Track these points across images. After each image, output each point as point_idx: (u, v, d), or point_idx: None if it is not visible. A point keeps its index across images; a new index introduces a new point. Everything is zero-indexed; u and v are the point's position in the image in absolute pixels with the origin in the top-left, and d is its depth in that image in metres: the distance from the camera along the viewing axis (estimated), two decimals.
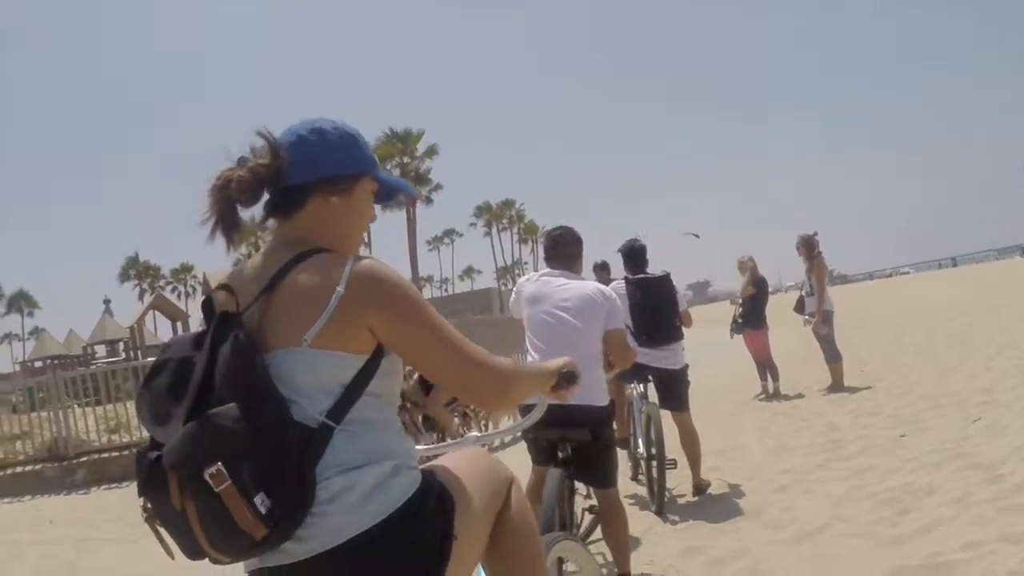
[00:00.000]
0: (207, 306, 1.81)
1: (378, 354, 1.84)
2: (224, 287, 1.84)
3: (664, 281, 6.53)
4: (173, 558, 1.78)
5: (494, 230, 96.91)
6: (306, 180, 1.91)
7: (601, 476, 4.30)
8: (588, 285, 4.44)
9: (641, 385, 6.79)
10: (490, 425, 10.60)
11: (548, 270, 4.56)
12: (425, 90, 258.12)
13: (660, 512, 6.09)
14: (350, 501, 1.72)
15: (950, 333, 15.39)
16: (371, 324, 1.80)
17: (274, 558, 1.71)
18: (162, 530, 1.69)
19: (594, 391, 4.16)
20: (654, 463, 6.15)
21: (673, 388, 6.58)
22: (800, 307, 11.42)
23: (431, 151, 57.59)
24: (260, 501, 1.58)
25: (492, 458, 2.30)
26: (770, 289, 11.89)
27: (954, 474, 5.67)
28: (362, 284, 1.79)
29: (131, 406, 12.28)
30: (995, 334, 13.56)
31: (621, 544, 4.34)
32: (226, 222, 1.86)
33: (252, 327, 1.77)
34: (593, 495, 4.55)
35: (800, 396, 10.94)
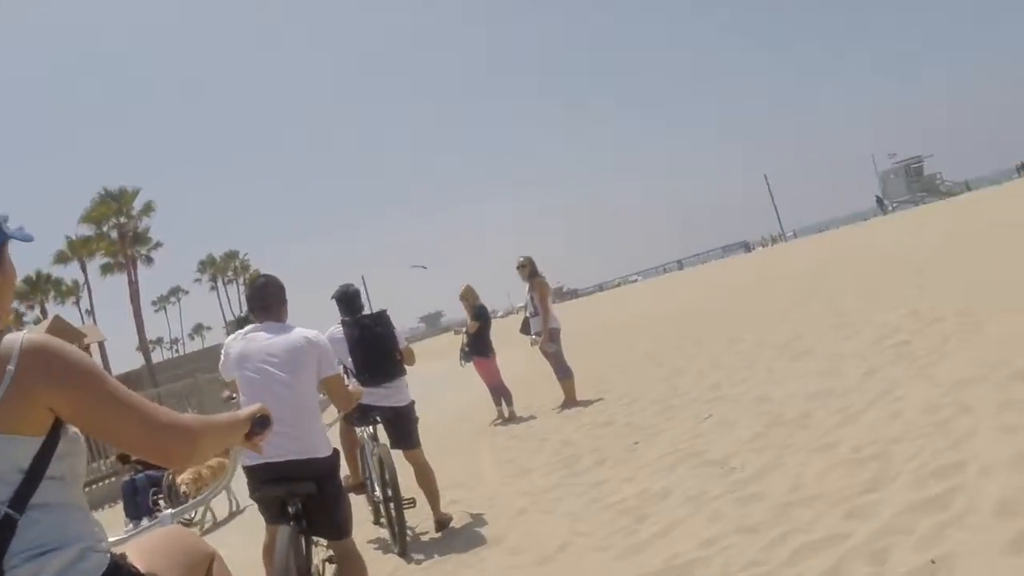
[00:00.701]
0: None
1: (55, 435, 1.78)
2: None
3: (381, 318, 6.51)
4: None
5: (220, 283, 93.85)
6: None
7: (333, 527, 4.21)
8: (294, 335, 4.33)
9: (371, 427, 6.65)
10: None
11: (253, 325, 4.45)
12: (138, 147, 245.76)
13: (403, 553, 5.98)
14: None
15: (678, 335, 16.09)
16: (48, 401, 1.75)
17: None
18: None
19: (314, 442, 4.13)
20: (392, 505, 6.03)
21: (401, 426, 6.47)
22: (526, 328, 11.53)
23: (148, 208, 56.03)
24: None
25: (188, 535, 2.32)
26: (501, 313, 12.00)
27: (688, 473, 5.83)
28: (33, 360, 1.74)
29: None
30: (721, 331, 14.28)
31: None
32: None
33: None
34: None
35: (534, 417, 11.00)
